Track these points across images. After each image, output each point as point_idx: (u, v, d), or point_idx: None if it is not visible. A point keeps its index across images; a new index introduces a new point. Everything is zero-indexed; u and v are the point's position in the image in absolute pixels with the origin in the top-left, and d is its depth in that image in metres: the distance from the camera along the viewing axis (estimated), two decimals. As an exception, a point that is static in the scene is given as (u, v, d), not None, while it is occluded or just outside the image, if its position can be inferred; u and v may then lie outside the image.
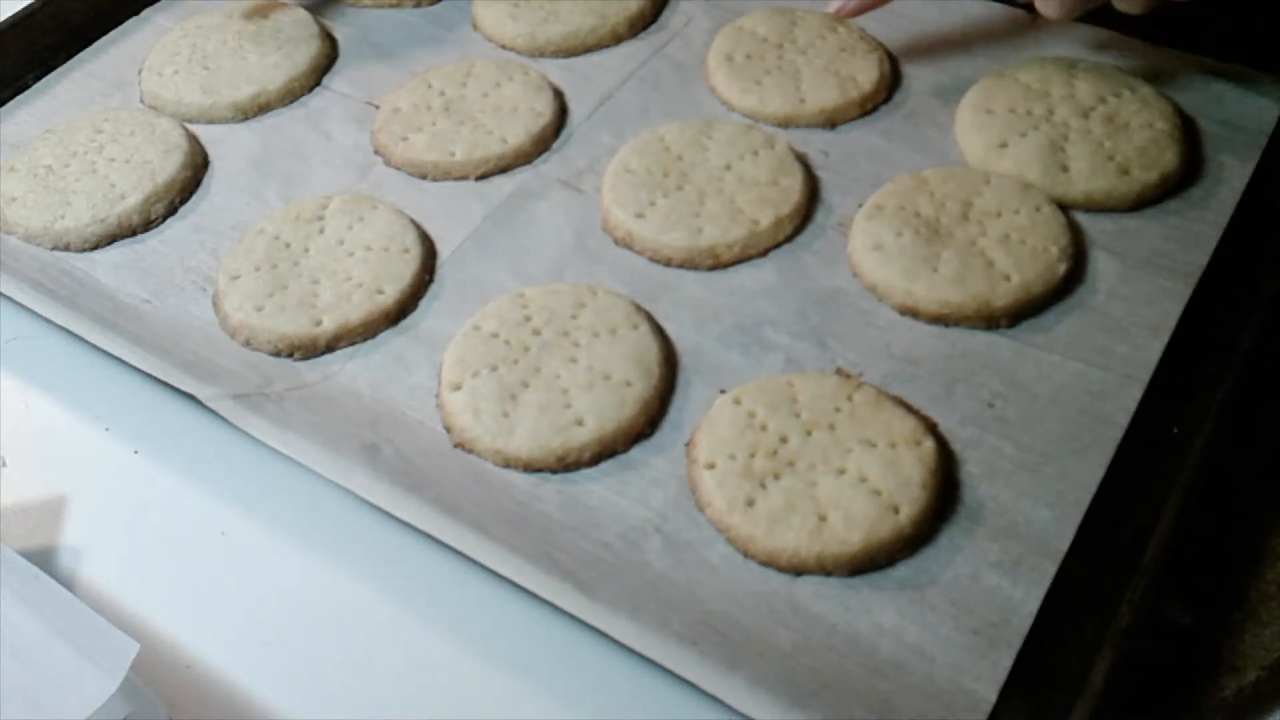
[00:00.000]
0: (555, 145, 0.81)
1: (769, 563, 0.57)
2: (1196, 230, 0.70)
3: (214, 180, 0.82)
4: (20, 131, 0.88)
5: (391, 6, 0.95)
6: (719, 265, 0.71)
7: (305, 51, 0.89)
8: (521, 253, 0.74)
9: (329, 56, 0.91)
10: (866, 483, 0.58)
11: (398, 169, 0.81)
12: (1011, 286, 0.66)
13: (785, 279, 0.70)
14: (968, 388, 0.63)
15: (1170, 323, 0.65)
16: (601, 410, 0.62)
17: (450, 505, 0.59)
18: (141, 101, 0.89)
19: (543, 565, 0.56)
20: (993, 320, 0.66)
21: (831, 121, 0.80)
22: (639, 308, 0.68)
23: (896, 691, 0.52)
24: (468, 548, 0.57)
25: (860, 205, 0.73)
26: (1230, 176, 0.73)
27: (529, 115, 0.81)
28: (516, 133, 0.80)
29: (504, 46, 0.90)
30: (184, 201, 0.80)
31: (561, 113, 0.83)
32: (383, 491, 0.60)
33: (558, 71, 0.87)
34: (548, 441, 0.62)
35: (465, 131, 0.81)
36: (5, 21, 0.92)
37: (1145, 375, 0.63)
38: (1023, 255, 0.67)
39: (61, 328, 0.71)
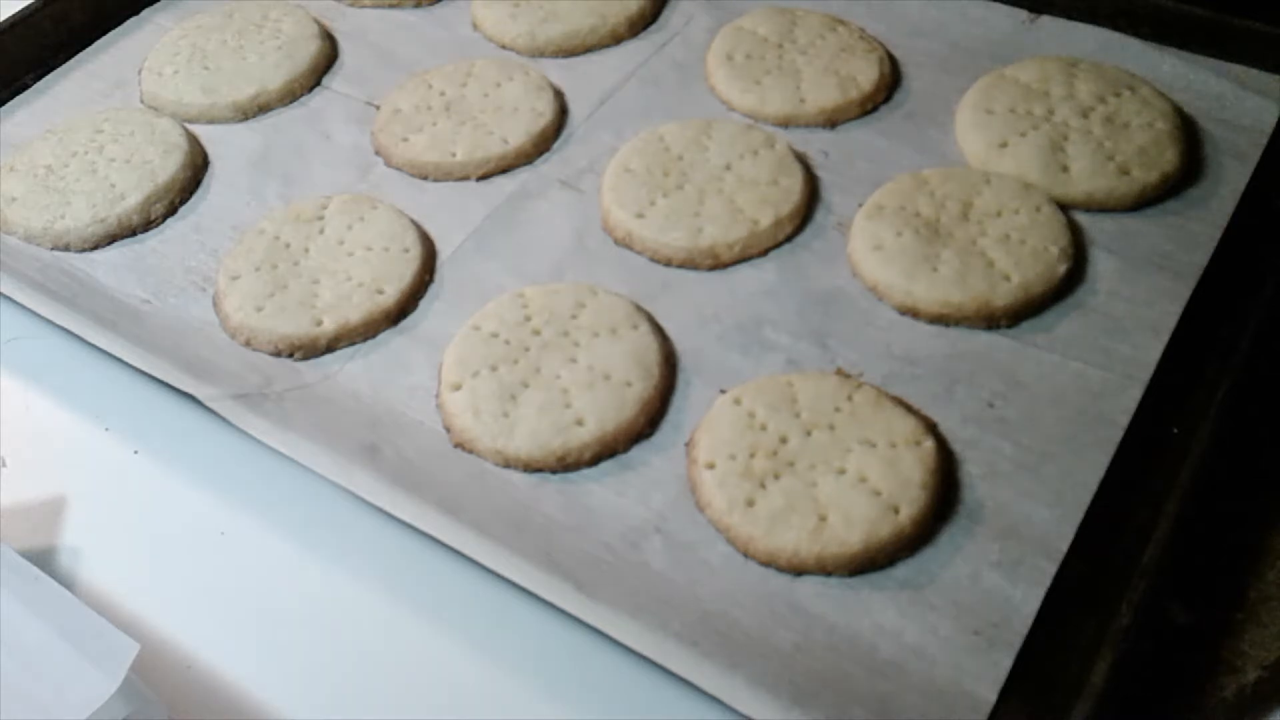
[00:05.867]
0: (555, 145, 0.81)
1: (769, 563, 0.57)
2: (1196, 230, 0.70)
3: (214, 180, 0.82)
4: (20, 131, 0.88)
5: (391, 6, 0.95)
6: (719, 265, 0.71)
7: (305, 51, 0.89)
8: (521, 253, 0.74)
9: (329, 56, 0.91)
10: (866, 483, 0.58)
11: (398, 169, 0.81)
12: (1011, 286, 0.66)
13: (785, 279, 0.70)
14: (968, 388, 0.63)
15: (1170, 323, 0.65)
16: (601, 410, 0.62)
17: (450, 505, 0.59)
18: (141, 101, 0.89)
19: (543, 565, 0.56)
20: (993, 320, 0.66)
21: (831, 121, 0.80)
22: (639, 308, 0.68)
23: (896, 692, 0.52)
24: (468, 548, 0.57)
25: (860, 205, 0.73)
26: (1230, 176, 0.73)
27: (529, 115, 0.81)
28: (517, 133, 0.80)
29: (504, 46, 0.90)
30: (184, 201, 0.80)
31: (561, 113, 0.83)
32: (383, 491, 0.60)
33: (558, 71, 0.87)
34: (548, 441, 0.62)
35: (466, 132, 0.81)
36: (5, 21, 0.92)
37: (1145, 375, 0.63)
38: (1023, 255, 0.67)
39: (61, 328, 0.71)
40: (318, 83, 0.89)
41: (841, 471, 0.59)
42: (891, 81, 0.82)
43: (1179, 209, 0.71)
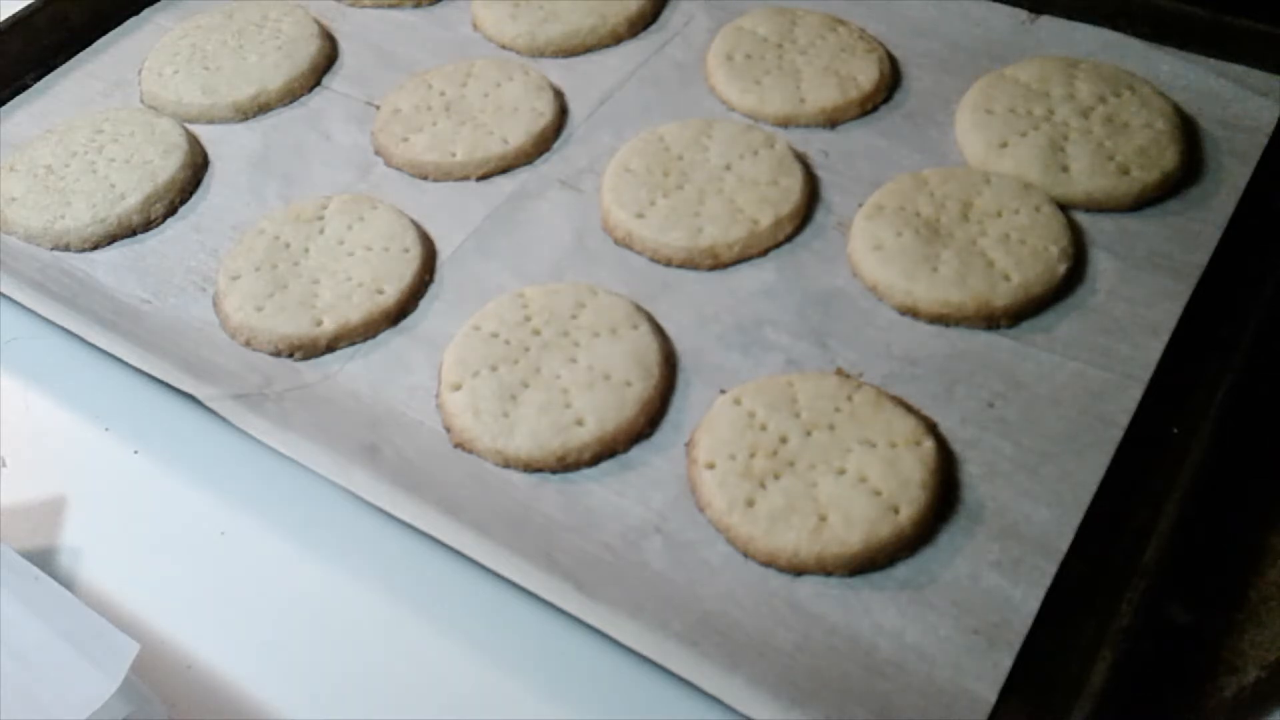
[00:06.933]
0: (555, 145, 0.81)
1: (769, 563, 0.57)
2: (1196, 230, 0.70)
3: (214, 180, 0.82)
4: (20, 131, 0.88)
5: (391, 6, 0.95)
6: (719, 265, 0.71)
7: (305, 51, 0.89)
8: (521, 253, 0.74)
9: (329, 56, 0.91)
10: (866, 483, 0.58)
11: (398, 169, 0.81)
12: (1011, 286, 0.66)
13: (785, 279, 0.70)
14: (968, 388, 0.63)
15: (1170, 323, 0.65)
16: (601, 410, 0.62)
17: (450, 505, 0.59)
18: (141, 101, 0.89)
19: (543, 565, 0.56)
20: (993, 320, 0.66)
21: (831, 121, 0.80)
22: (639, 308, 0.68)
23: (896, 691, 0.52)
24: (468, 548, 0.57)
25: (860, 205, 0.73)
26: (1230, 176, 0.73)
27: (529, 115, 0.81)
28: (517, 133, 0.80)
29: (504, 46, 0.90)
30: (184, 201, 0.80)
31: (561, 113, 0.83)
32: (383, 491, 0.60)
33: (558, 71, 0.87)
34: (548, 441, 0.62)
35: (466, 132, 0.81)
36: (5, 21, 0.92)
37: (1145, 375, 0.63)
38: (1023, 255, 0.67)
39: (61, 328, 0.71)
40: (318, 83, 0.89)
41: (841, 471, 0.59)
42: (891, 81, 0.82)
43: (1179, 209, 0.71)
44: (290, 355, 0.69)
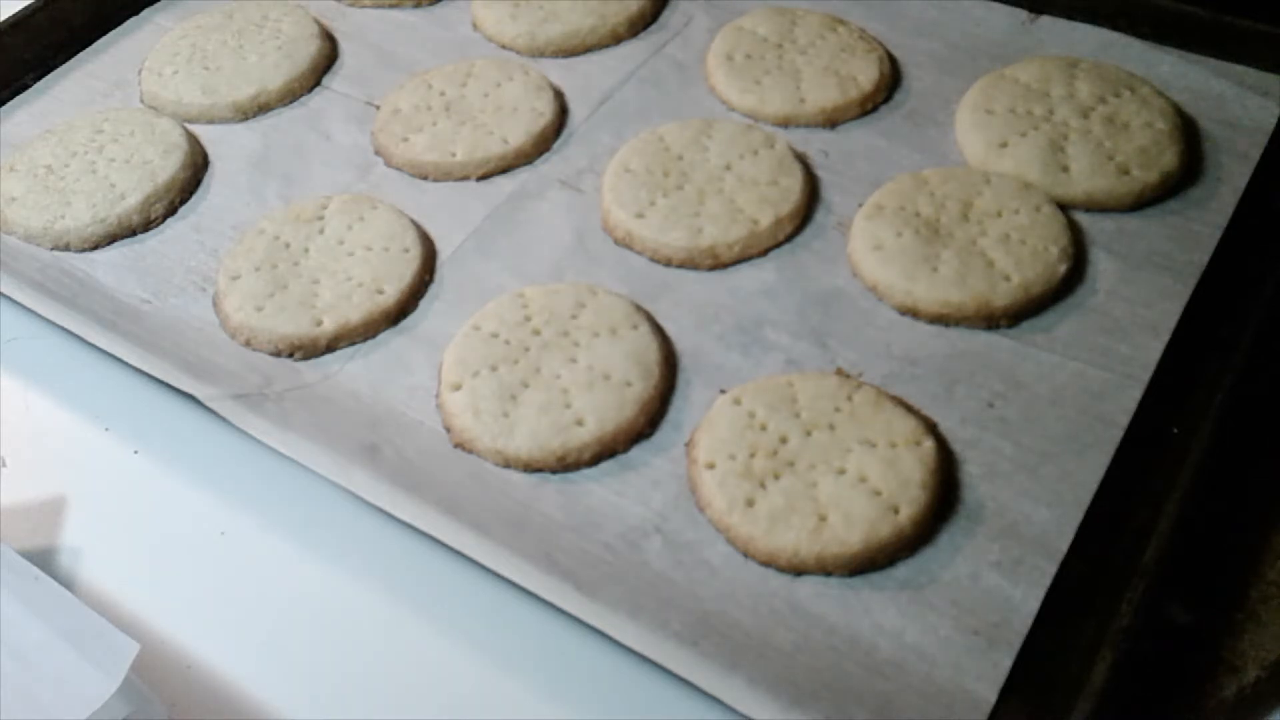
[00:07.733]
0: (555, 145, 0.81)
1: (769, 563, 0.57)
2: (1196, 230, 0.70)
3: (214, 180, 0.82)
4: (20, 131, 0.88)
5: (391, 6, 0.95)
6: (719, 265, 0.71)
7: (305, 51, 0.89)
8: (521, 253, 0.74)
9: (329, 56, 0.91)
10: (866, 483, 0.58)
11: (398, 169, 0.81)
12: (1011, 286, 0.66)
13: (785, 279, 0.70)
14: (968, 388, 0.63)
15: (1170, 323, 0.65)
16: (601, 410, 0.62)
17: (450, 505, 0.59)
18: (141, 101, 0.89)
19: (543, 565, 0.56)
20: (993, 320, 0.66)
21: (831, 121, 0.80)
22: (639, 308, 0.68)
23: (896, 691, 0.52)
24: (468, 548, 0.57)
25: (860, 205, 0.73)
26: (1230, 176, 0.73)
27: (529, 115, 0.81)
28: (517, 133, 0.80)
29: (504, 46, 0.90)
30: (184, 201, 0.80)
31: (561, 113, 0.83)
32: (383, 491, 0.60)
33: (558, 71, 0.87)
34: (548, 441, 0.62)
35: (466, 132, 0.81)
36: (5, 21, 0.92)
37: (1145, 375, 0.63)
38: (1023, 255, 0.67)
39: (61, 328, 0.71)
40: (318, 83, 0.89)
41: (841, 471, 0.59)
42: (891, 81, 0.82)
43: (1179, 209, 0.71)
44: (290, 355, 0.69)
